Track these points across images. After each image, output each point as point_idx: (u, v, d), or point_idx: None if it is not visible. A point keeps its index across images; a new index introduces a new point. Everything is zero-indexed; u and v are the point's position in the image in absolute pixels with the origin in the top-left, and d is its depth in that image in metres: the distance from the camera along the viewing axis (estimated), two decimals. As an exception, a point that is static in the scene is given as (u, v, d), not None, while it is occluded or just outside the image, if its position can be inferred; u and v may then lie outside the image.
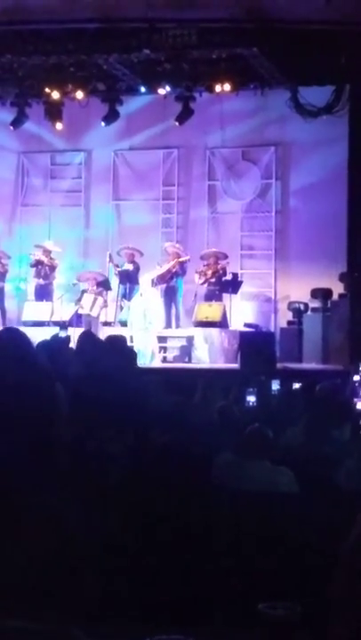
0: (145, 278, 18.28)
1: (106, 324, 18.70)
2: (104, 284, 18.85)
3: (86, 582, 2.35)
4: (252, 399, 10.19)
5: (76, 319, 18.50)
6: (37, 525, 2.36)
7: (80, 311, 18.43)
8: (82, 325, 18.22)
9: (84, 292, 18.70)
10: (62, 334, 15.44)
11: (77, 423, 6.79)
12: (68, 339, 12.29)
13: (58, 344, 8.70)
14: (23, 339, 5.67)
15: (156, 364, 16.90)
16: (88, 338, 10.20)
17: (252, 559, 3.90)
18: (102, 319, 18.77)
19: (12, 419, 5.09)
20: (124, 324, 18.12)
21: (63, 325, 17.98)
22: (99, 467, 6.56)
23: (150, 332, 17.15)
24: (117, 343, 9.56)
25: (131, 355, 10.07)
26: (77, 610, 2.30)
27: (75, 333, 17.29)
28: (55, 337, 9.18)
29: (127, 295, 18.71)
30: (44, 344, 8.67)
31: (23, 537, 2.33)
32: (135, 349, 11.91)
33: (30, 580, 2.29)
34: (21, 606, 2.24)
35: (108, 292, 18.94)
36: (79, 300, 18.55)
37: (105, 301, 18.60)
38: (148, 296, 17.72)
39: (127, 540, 3.93)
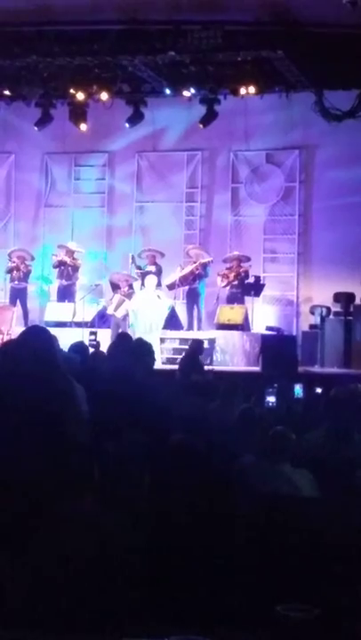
0: (149, 282, 18.21)
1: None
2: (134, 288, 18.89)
3: (119, 586, 2.35)
4: (271, 399, 10.18)
5: (99, 320, 18.53)
6: (64, 528, 2.36)
7: (108, 311, 18.49)
8: (104, 326, 18.24)
9: (115, 292, 18.73)
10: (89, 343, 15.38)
11: (99, 424, 6.80)
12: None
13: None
14: (47, 337, 5.67)
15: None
16: (118, 341, 10.27)
17: (270, 561, 3.89)
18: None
19: (23, 413, 5.10)
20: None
21: (85, 325, 18.01)
22: (118, 468, 6.58)
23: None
24: (144, 346, 9.59)
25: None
26: (110, 614, 2.30)
27: (98, 335, 17.33)
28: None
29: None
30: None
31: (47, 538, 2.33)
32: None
33: (61, 586, 2.28)
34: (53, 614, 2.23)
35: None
36: (111, 298, 18.62)
37: None
38: (148, 300, 17.76)
39: (145, 542, 3.94)
